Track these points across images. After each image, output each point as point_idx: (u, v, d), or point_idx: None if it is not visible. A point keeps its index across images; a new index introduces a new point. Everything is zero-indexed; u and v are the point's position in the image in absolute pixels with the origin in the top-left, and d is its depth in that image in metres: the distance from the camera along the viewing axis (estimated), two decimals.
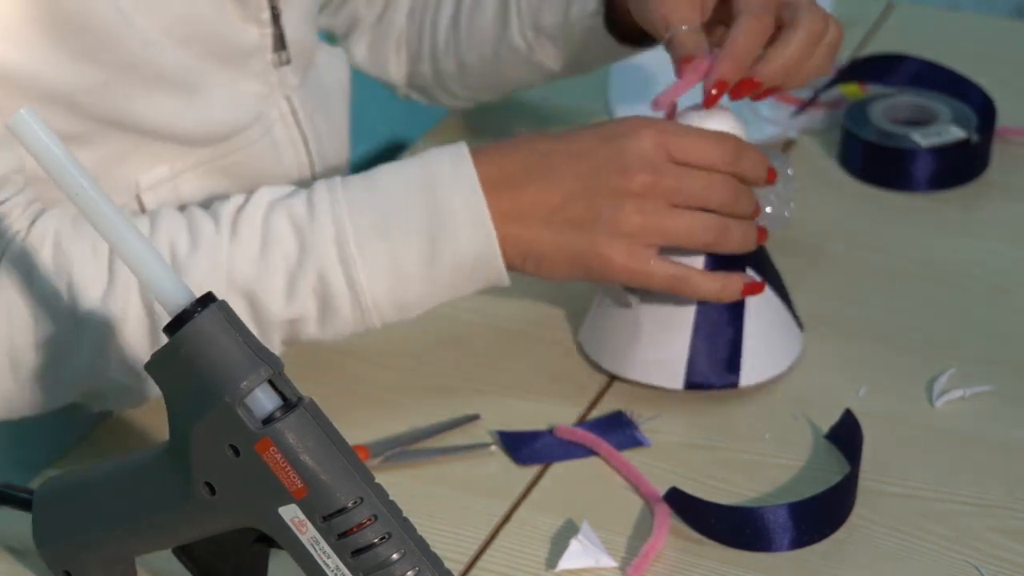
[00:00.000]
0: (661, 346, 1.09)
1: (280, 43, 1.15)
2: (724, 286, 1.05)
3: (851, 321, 1.15)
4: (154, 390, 1.04)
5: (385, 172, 1.05)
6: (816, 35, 1.06)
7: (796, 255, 1.21)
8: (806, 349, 1.12)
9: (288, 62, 1.15)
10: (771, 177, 1.07)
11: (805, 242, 1.24)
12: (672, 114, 1.07)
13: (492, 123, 1.38)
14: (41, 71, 1.01)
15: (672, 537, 0.98)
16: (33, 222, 1.02)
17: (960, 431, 1.06)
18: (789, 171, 1.11)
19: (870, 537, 0.98)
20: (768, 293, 1.10)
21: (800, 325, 1.13)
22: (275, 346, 1.04)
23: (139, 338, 1.01)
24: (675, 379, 1.09)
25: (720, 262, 1.07)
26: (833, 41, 1.08)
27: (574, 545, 0.96)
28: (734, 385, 1.09)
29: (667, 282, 1.04)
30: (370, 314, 1.04)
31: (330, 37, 1.34)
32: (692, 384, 1.08)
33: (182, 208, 1.06)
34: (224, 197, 1.06)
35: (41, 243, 1.01)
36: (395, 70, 1.33)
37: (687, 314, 1.08)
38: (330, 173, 1.22)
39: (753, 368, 1.09)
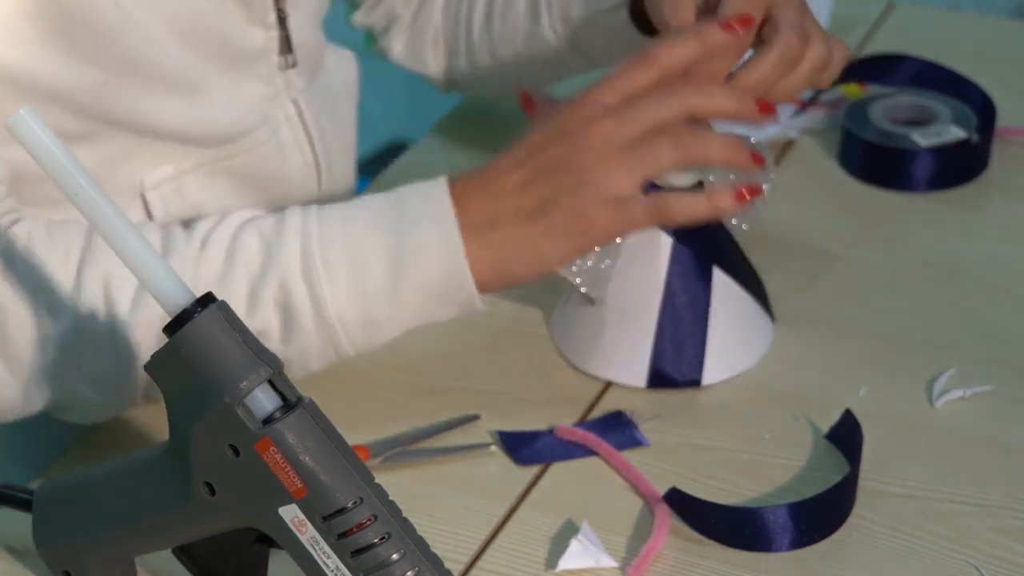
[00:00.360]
0: (625, 343, 1.09)
1: (286, 46, 1.15)
2: (710, 198, 1.02)
3: (851, 321, 1.15)
4: (117, 406, 1.04)
5: (360, 199, 1.04)
6: (791, 56, 1.05)
7: (796, 255, 1.21)
8: (805, 349, 1.12)
9: (294, 65, 1.15)
10: (753, 110, 1.04)
11: (805, 242, 1.23)
12: None
13: (492, 123, 1.38)
14: (39, 69, 1.01)
15: (672, 537, 0.98)
16: (8, 229, 1.01)
17: (960, 431, 1.06)
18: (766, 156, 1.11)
19: (870, 537, 0.98)
20: (735, 288, 1.10)
21: (772, 317, 1.13)
22: None
23: (105, 347, 1.00)
24: (639, 376, 1.09)
25: (690, 253, 1.07)
26: (817, 61, 1.07)
27: (574, 545, 0.96)
28: (697, 383, 1.09)
29: (649, 218, 1.01)
30: (335, 330, 1.01)
31: (369, 35, 1.35)
32: (655, 381, 1.09)
33: (165, 224, 1.05)
34: (229, 202, 1.06)
35: (12, 248, 1.00)
36: (434, 65, 1.33)
37: (651, 312, 1.08)
38: (336, 174, 1.23)
39: (718, 365, 1.09)
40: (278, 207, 1.08)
